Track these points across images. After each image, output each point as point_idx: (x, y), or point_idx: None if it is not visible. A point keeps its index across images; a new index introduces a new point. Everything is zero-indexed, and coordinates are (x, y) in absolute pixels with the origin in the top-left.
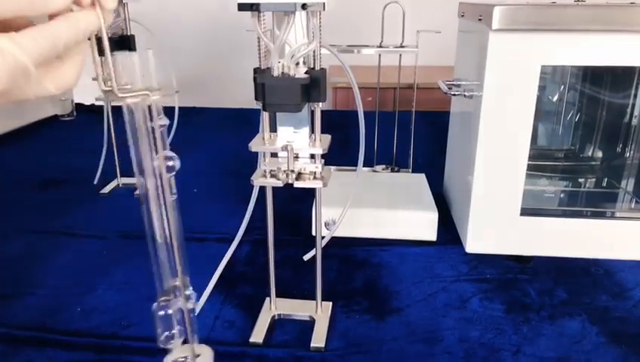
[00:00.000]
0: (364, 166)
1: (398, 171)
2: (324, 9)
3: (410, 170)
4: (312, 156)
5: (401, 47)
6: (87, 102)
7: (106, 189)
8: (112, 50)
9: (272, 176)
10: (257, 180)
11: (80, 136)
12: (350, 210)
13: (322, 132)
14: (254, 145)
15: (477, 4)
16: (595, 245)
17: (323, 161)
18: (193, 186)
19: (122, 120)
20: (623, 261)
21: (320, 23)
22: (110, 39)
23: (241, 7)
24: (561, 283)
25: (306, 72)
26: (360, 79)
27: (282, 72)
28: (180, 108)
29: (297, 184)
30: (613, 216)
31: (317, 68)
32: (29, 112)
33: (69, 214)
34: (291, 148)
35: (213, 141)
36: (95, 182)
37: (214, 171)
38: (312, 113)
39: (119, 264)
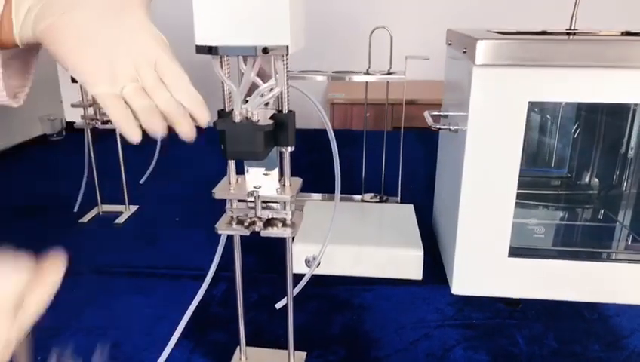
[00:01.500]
0: (353, 194)
1: (386, 201)
2: (287, 53)
3: (399, 200)
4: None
5: (389, 73)
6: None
7: (85, 218)
8: None
9: (239, 222)
10: (222, 228)
11: (67, 157)
12: (332, 247)
13: (317, 152)
14: (218, 191)
15: (463, 34)
16: (589, 288)
17: (294, 206)
18: (175, 214)
19: (104, 144)
20: (618, 304)
21: (286, 65)
22: None
23: (199, 49)
24: (552, 329)
25: (272, 116)
26: (356, 95)
27: (246, 117)
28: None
29: (264, 233)
30: (609, 258)
31: (284, 111)
32: (16, 132)
33: (43, 245)
34: (258, 195)
35: (202, 162)
36: (75, 209)
37: (200, 196)
38: (281, 156)
39: (89, 304)
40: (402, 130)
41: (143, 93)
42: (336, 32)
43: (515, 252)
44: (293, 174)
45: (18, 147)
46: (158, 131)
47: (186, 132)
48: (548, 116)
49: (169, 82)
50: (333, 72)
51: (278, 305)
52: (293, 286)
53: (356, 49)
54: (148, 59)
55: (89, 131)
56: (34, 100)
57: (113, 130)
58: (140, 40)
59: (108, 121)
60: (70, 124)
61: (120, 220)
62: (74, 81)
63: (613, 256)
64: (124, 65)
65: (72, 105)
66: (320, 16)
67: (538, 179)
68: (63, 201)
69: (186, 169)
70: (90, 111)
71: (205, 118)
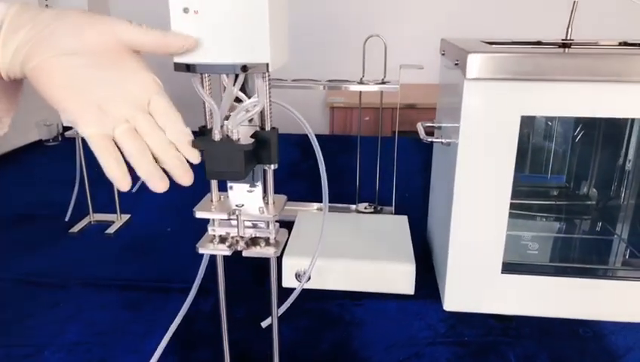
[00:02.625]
0: (348, 203)
1: (380, 211)
2: (267, 70)
3: (393, 210)
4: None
5: (383, 82)
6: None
7: (76, 228)
8: None
9: (222, 240)
10: (203, 247)
11: (62, 163)
12: (323, 261)
13: (312, 161)
14: (199, 210)
15: (455, 45)
16: (584, 305)
17: (277, 224)
18: (168, 224)
19: None
20: (614, 322)
21: (268, 82)
22: None
23: (177, 67)
24: (546, 347)
25: (254, 133)
26: (356, 99)
27: (227, 135)
28: None
29: (247, 253)
30: (605, 275)
31: (267, 128)
32: (12, 138)
33: (30, 257)
34: (240, 213)
35: (196, 170)
36: (66, 219)
37: (194, 205)
38: (265, 173)
39: (74, 319)
40: (396, 139)
41: (134, 134)
42: (332, 38)
43: (508, 268)
44: (290, 182)
45: (14, 152)
46: (145, 175)
47: (180, 175)
48: (549, 123)
49: (162, 123)
50: (327, 81)
51: (264, 324)
52: (281, 304)
53: (352, 56)
54: (140, 100)
55: (80, 140)
56: (30, 105)
57: None
58: (131, 82)
59: None
60: (67, 129)
61: (111, 230)
62: None
63: (610, 272)
64: (114, 107)
65: None
66: (317, 23)
67: (535, 188)
68: (55, 209)
69: None
70: None
71: (196, 158)
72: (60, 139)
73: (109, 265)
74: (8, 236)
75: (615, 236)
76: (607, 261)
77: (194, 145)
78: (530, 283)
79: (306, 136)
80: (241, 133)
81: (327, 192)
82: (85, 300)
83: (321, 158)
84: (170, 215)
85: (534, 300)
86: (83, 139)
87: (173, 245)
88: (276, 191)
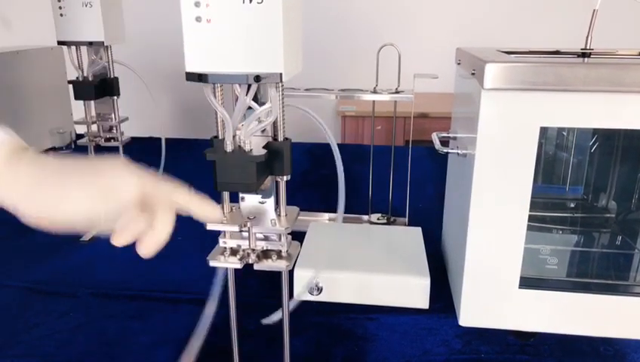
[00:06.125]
0: (361, 213)
1: (393, 222)
2: (281, 80)
3: (407, 221)
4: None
5: (397, 92)
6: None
7: (86, 237)
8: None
9: (233, 253)
10: (213, 260)
11: None
12: (335, 274)
13: (328, 167)
14: (210, 223)
15: (472, 54)
16: (606, 322)
17: (289, 237)
18: (179, 232)
19: None
20: (636, 340)
21: (282, 92)
22: (91, 83)
23: (189, 77)
24: None
25: (267, 144)
26: (367, 108)
27: (239, 146)
28: (170, 140)
29: (258, 266)
30: (627, 291)
31: (280, 138)
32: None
33: (41, 265)
34: (251, 226)
35: (209, 177)
36: None
37: None
38: (277, 185)
39: (83, 329)
40: (410, 149)
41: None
42: (345, 46)
43: (526, 283)
44: (301, 191)
45: None
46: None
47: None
48: (563, 133)
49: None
50: (340, 90)
51: (265, 321)
52: (292, 317)
53: (364, 63)
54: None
55: (92, 148)
56: (44, 113)
57: (117, 148)
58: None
59: (111, 138)
60: (80, 137)
61: None
62: (77, 98)
63: (632, 288)
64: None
65: (76, 123)
66: (329, 32)
67: (551, 200)
68: None
69: (194, 184)
70: (94, 128)
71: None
72: (72, 146)
73: (118, 274)
74: (18, 243)
75: (636, 251)
76: (627, 276)
77: (206, 155)
78: (549, 299)
79: (317, 144)
80: (254, 143)
81: (343, 202)
82: (93, 310)
83: (341, 167)
84: (182, 223)
85: (553, 316)
86: (95, 147)
87: (184, 254)
88: (286, 200)
